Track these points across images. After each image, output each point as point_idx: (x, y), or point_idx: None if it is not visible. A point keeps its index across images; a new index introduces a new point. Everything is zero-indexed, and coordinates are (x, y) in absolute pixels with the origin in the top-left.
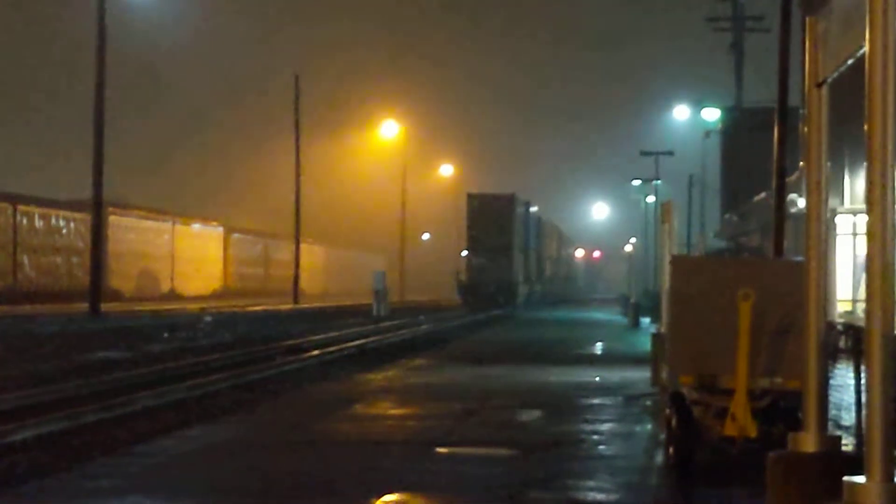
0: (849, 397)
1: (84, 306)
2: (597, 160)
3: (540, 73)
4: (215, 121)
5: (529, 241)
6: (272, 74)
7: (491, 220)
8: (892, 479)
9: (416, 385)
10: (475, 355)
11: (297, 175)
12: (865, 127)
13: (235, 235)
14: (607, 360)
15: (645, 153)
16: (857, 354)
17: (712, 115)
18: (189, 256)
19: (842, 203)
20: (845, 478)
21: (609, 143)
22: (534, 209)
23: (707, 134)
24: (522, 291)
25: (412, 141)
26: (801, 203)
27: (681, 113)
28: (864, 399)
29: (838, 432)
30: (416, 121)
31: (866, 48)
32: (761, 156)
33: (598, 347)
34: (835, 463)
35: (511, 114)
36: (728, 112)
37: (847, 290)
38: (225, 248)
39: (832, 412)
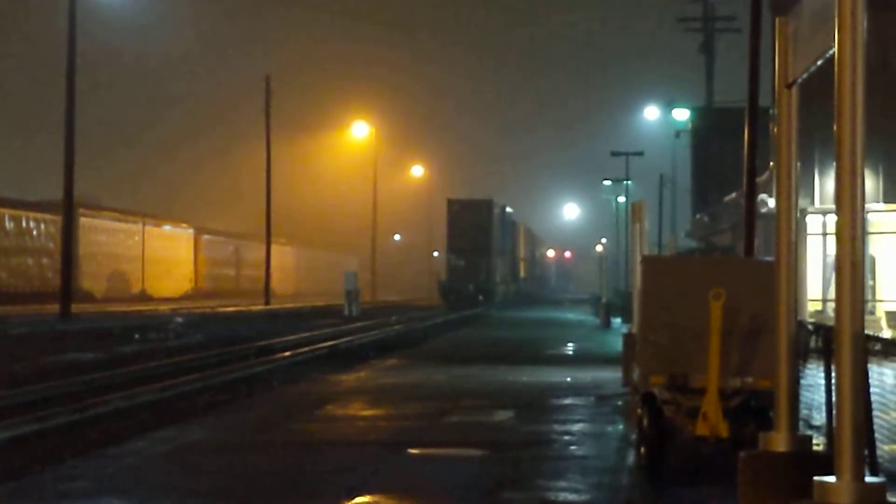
0: (819, 397)
1: (55, 308)
2: (568, 161)
3: (511, 75)
4: (187, 122)
5: (506, 244)
6: (244, 74)
7: (470, 224)
8: (863, 479)
9: (389, 385)
10: (448, 356)
11: (268, 175)
12: (835, 127)
13: (206, 237)
14: (579, 360)
15: (615, 153)
16: (828, 354)
17: (682, 115)
18: (160, 258)
19: (812, 203)
20: (816, 477)
21: (580, 143)
22: (509, 210)
23: (677, 134)
24: (500, 291)
25: (383, 142)
26: (772, 203)
27: (651, 113)
28: (834, 398)
29: (809, 432)
30: (387, 122)
31: (835, 49)
32: (732, 156)
33: (570, 347)
34: (806, 462)
35: (481, 115)
36: (698, 112)
37: (817, 290)
38: (196, 250)
39: (803, 412)
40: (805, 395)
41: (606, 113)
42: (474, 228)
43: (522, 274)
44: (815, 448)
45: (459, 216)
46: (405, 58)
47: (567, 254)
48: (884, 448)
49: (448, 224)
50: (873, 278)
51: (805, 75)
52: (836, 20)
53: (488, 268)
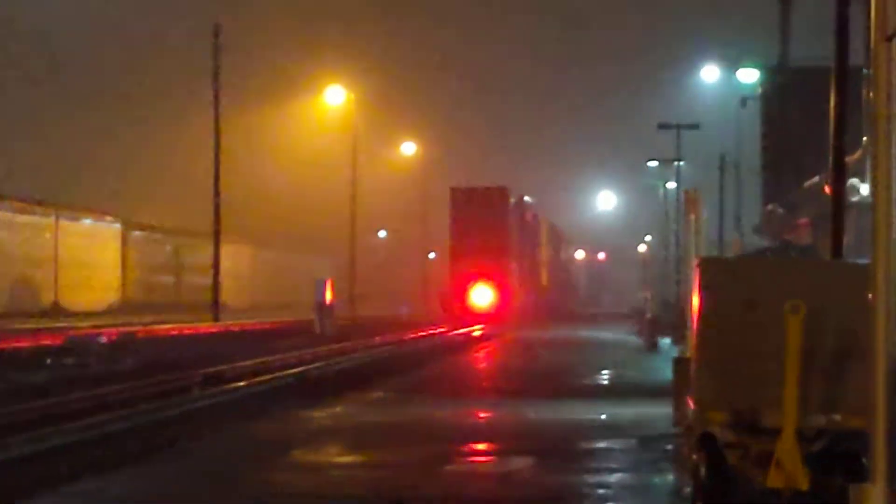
0: None
1: None
2: (602, 139)
3: (530, 37)
4: (116, 91)
5: (524, 243)
6: (187, 33)
7: (479, 219)
8: None
9: (372, 424)
10: (448, 386)
11: (217, 156)
12: None
13: (137, 233)
14: (617, 391)
15: (663, 126)
16: None
17: (750, 76)
18: (78, 260)
19: None
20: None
21: (617, 117)
22: (528, 199)
23: (744, 102)
24: (516, 304)
25: (365, 116)
26: (865, 189)
27: (710, 74)
28: None
29: None
30: (370, 89)
31: None
32: (813, 129)
33: (605, 376)
34: None
35: (488, 81)
36: (770, 73)
37: None
38: (124, 250)
39: None
40: None
41: (652, 77)
42: (484, 224)
43: (545, 281)
44: None
45: (466, 209)
46: (389, 23)
47: (601, 255)
48: None
49: (451, 218)
50: None
51: None
52: None
53: (502, 273)
